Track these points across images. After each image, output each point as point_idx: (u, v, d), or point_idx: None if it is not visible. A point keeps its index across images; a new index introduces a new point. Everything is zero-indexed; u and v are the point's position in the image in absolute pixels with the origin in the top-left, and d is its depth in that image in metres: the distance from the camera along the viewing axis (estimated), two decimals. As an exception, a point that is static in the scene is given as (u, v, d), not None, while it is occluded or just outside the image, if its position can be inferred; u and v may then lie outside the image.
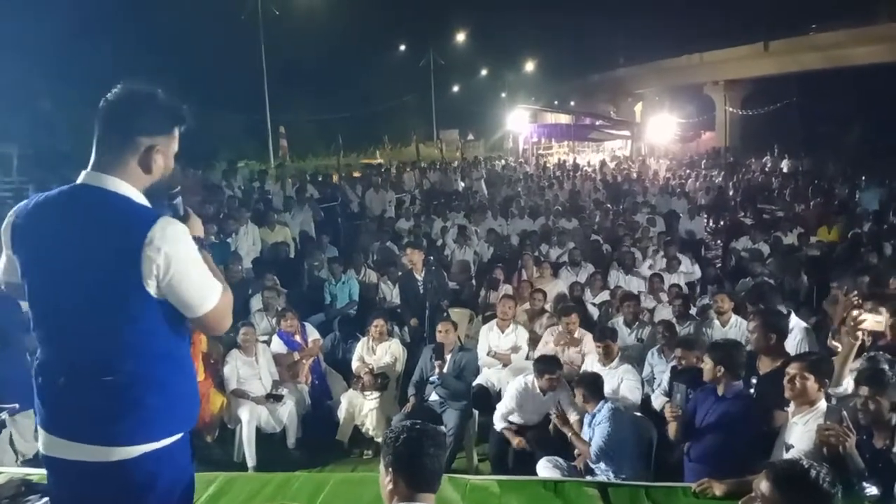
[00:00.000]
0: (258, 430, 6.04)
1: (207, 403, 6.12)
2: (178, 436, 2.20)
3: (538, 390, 5.44)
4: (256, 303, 7.73)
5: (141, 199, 2.13)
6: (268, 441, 6.15)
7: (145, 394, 2.09)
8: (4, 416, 3.21)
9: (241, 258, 9.20)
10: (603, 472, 4.60)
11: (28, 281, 2.14)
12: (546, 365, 5.44)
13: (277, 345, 6.81)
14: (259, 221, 10.65)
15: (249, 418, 5.96)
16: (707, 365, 4.19)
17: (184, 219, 2.26)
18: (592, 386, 4.91)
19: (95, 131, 2.13)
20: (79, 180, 2.12)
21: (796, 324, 5.52)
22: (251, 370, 6.33)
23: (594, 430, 4.76)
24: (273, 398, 6.20)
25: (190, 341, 2.38)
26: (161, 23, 27.59)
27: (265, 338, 6.96)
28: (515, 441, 5.39)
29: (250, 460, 5.90)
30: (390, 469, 2.34)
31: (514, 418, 5.56)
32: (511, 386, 5.67)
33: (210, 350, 6.53)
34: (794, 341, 5.27)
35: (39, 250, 2.10)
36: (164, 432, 2.14)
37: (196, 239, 2.24)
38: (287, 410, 6.21)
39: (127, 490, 2.11)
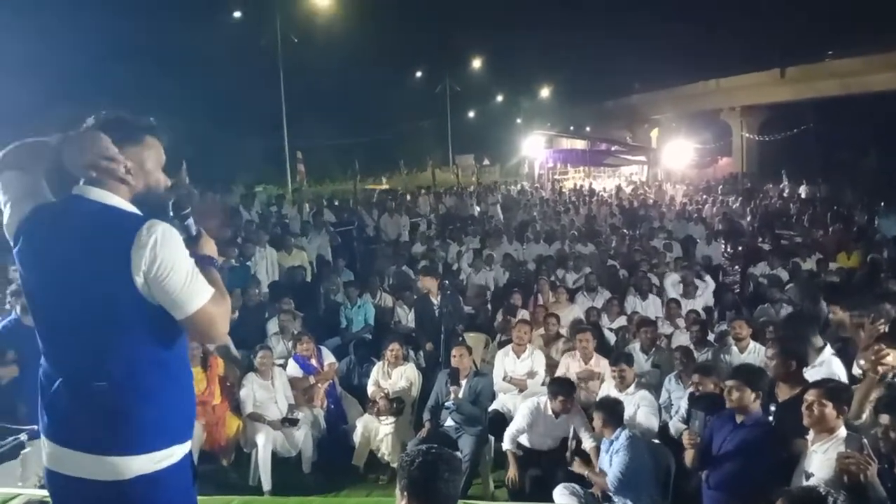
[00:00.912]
0: (274, 454, 6.03)
1: (223, 427, 6.14)
2: (176, 458, 2.20)
3: (550, 412, 5.44)
4: (273, 326, 7.77)
5: (130, 208, 2.17)
6: (283, 465, 6.14)
7: (136, 401, 2.10)
8: (23, 437, 3.25)
9: (260, 282, 9.29)
10: (621, 501, 4.54)
11: (27, 290, 2.21)
12: (560, 387, 5.44)
13: (293, 368, 6.83)
14: (276, 245, 10.73)
15: (265, 442, 5.96)
16: (741, 392, 4.11)
17: (196, 238, 2.30)
18: (612, 411, 4.86)
19: None
20: (72, 192, 2.18)
21: (828, 357, 5.39)
22: (267, 394, 6.34)
23: (612, 459, 4.71)
24: (289, 422, 6.20)
25: (186, 350, 2.37)
26: (182, 49, 28.12)
27: (281, 361, 6.98)
28: (511, 471, 5.38)
29: (266, 484, 5.89)
30: (405, 493, 2.32)
31: (524, 440, 5.54)
32: (523, 405, 5.67)
33: (226, 373, 6.57)
34: (826, 373, 5.15)
35: (35, 257, 2.15)
36: (155, 444, 2.14)
37: (207, 258, 2.28)
38: (303, 434, 6.20)
39: None
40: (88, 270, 2.06)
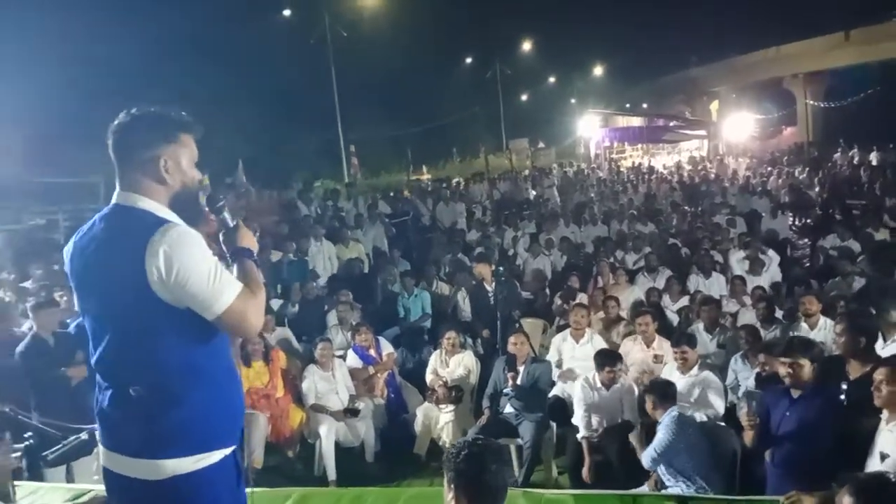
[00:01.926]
0: (337, 445, 6.11)
1: (287, 419, 6.26)
2: (215, 459, 2.20)
3: (599, 384, 5.47)
4: (332, 318, 7.87)
5: (162, 212, 2.17)
6: (347, 455, 6.22)
7: (170, 407, 2.12)
8: (84, 436, 3.36)
9: (319, 275, 9.42)
10: (674, 486, 4.42)
11: (78, 300, 2.27)
12: (606, 358, 5.51)
13: (353, 359, 6.90)
14: (333, 239, 10.86)
15: (328, 433, 6.04)
16: (799, 367, 3.98)
17: (233, 230, 2.30)
18: (663, 393, 4.74)
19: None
20: (112, 200, 2.22)
21: None
22: (328, 385, 6.42)
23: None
24: (350, 413, 6.28)
25: (227, 355, 2.36)
26: (235, 49, 28.71)
27: (341, 353, 7.06)
28: (589, 459, 5.30)
29: (330, 474, 5.97)
30: (452, 486, 2.29)
31: (595, 422, 5.45)
32: (576, 385, 5.68)
33: (289, 366, 6.70)
34: None
35: (78, 269, 2.21)
36: (191, 447, 2.15)
37: (246, 251, 2.27)
38: (365, 424, 6.27)
39: None
40: (113, 278, 2.09)
